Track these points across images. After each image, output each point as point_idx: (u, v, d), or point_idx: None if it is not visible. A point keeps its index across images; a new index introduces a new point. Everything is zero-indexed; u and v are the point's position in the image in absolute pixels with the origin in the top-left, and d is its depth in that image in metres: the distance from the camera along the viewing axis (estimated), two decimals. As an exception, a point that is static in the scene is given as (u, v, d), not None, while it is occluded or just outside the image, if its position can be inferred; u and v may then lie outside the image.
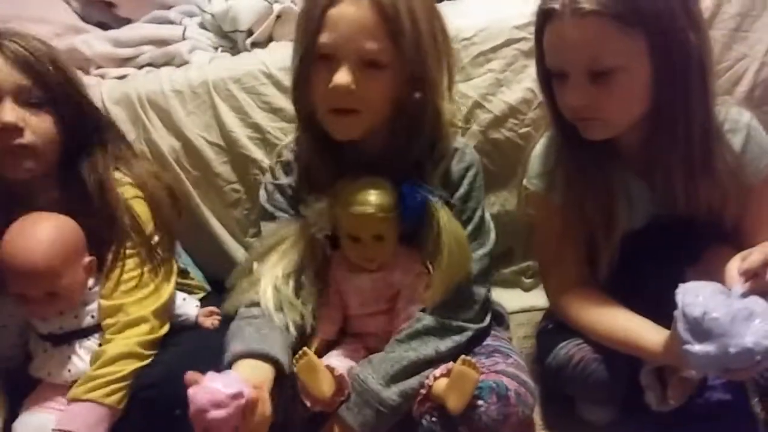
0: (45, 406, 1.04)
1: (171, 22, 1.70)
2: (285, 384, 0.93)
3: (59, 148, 1.05)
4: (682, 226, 0.99)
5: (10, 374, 1.10)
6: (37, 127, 1.02)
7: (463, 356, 0.91)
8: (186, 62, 1.55)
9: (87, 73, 1.60)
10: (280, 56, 1.44)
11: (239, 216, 1.50)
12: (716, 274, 0.86)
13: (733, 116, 0.98)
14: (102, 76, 1.58)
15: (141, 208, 1.10)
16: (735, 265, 0.84)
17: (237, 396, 0.78)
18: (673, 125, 0.93)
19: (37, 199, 1.07)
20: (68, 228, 1.03)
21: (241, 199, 1.49)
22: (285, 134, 1.40)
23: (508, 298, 1.39)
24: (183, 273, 1.26)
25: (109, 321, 1.04)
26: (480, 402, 0.91)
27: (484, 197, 1.07)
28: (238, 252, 1.48)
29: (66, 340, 1.06)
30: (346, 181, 1.00)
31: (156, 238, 1.11)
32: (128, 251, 1.07)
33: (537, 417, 1.11)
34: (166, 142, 1.46)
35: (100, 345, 1.04)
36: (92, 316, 1.06)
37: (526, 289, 1.50)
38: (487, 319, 1.06)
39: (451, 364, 0.94)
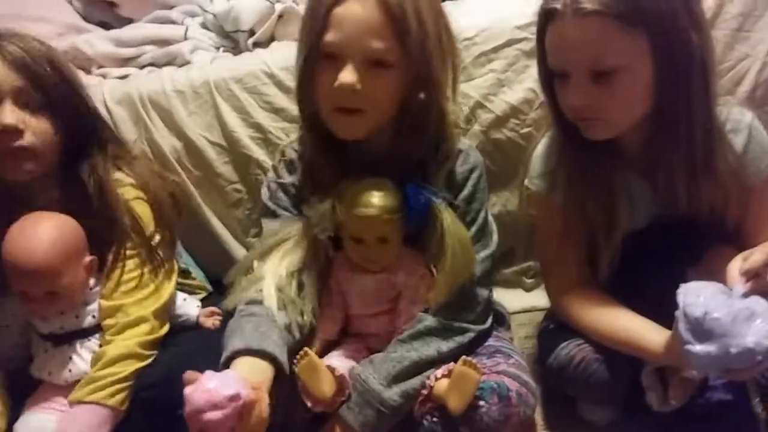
0: (46, 407, 1.04)
1: (173, 22, 1.70)
2: (284, 383, 0.92)
3: (59, 149, 1.05)
4: (683, 226, 0.98)
5: (12, 375, 1.10)
6: (37, 128, 1.01)
7: (464, 357, 0.91)
8: (188, 62, 1.55)
9: (89, 72, 1.60)
10: (282, 56, 1.44)
11: (241, 216, 1.50)
12: (718, 275, 0.86)
13: (735, 116, 0.98)
14: (104, 76, 1.58)
15: (142, 209, 1.10)
16: (736, 266, 0.84)
17: (234, 397, 0.76)
18: (675, 125, 0.93)
19: (38, 199, 1.06)
20: (69, 227, 1.03)
21: (242, 199, 1.49)
22: (287, 134, 1.40)
23: (509, 299, 1.38)
24: (184, 273, 1.26)
25: (109, 321, 1.04)
26: (481, 402, 0.91)
27: (487, 199, 1.07)
28: (239, 252, 1.48)
29: (67, 340, 1.06)
30: (349, 182, 0.99)
31: (157, 239, 1.11)
32: (128, 252, 1.07)
33: (538, 417, 1.11)
34: (168, 142, 1.46)
35: (100, 346, 1.04)
36: (93, 316, 1.06)
37: (528, 290, 1.50)
38: (489, 320, 1.06)
39: (452, 364, 0.94)
